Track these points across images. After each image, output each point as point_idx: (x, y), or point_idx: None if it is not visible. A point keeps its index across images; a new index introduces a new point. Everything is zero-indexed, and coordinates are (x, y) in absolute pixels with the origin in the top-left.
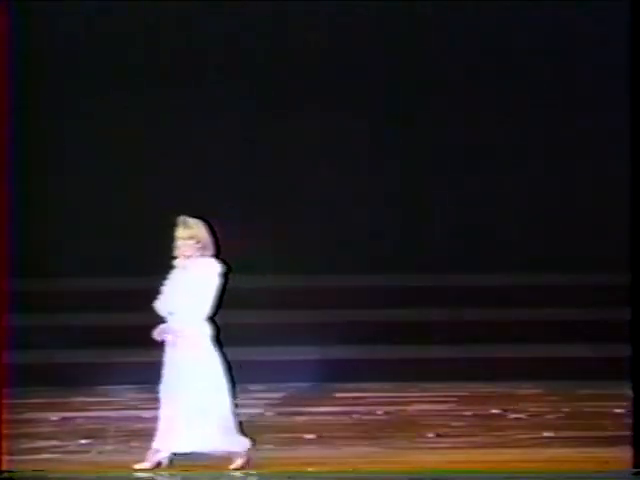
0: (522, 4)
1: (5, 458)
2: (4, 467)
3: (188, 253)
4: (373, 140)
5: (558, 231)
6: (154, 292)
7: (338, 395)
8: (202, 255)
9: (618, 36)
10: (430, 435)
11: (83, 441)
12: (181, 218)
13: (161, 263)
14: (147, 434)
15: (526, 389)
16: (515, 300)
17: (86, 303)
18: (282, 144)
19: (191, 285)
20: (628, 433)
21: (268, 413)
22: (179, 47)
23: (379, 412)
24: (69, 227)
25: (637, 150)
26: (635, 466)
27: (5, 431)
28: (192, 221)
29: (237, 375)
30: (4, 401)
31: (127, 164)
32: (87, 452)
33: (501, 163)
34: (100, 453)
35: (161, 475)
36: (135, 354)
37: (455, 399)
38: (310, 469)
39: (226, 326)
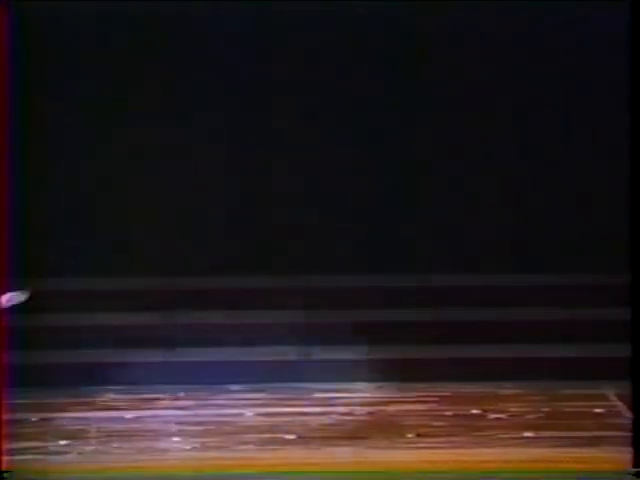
0: (522, 4)
1: (5, 458)
2: (4, 467)
3: None
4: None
5: (558, 231)
6: (142, 293)
7: (318, 395)
8: None
9: (618, 36)
10: (410, 435)
11: (63, 442)
12: None
13: (162, 263)
14: (128, 435)
15: (507, 389)
16: (499, 300)
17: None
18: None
19: None
20: (609, 433)
21: (248, 413)
22: (179, 47)
23: (359, 412)
24: (69, 227)
25: (637, 150)
26: (635, 466)
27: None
28: None
29: (219, 375)
30: (4, 401)
31: (128, 164)
32: (67, 453)
33: (501, 163)
34: (80, 454)
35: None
36: (117, 355)
37: (436, 399)
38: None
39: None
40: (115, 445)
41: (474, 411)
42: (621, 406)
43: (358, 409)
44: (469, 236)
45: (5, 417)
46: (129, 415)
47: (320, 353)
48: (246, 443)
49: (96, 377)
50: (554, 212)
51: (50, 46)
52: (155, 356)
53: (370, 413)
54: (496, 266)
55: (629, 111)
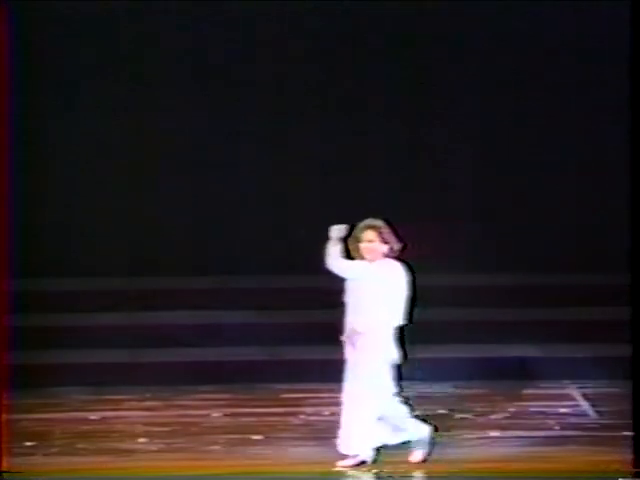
0: (521, 4)
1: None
2: (4, 467)
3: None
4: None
5: (558, 231)
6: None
7: (285, 396)
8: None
9: (618, 36)
10: None
11: (28, 443)
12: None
13: (161, 264)
14: (94, 436)
15: (472, 389)
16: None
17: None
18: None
19: (379, 288)
20: (574, 433)
21: (215, 414)
22: (180, 46)
23: (326, 412)
24: (69, 227)
25: (637, 151)
26: (635, 466)
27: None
28: (378, 222)
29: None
30: (4, 402)
31: (128, 164)
32: (32, 454)
33: (500, 163)
34: (46, 455)
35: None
36: (83, 355)
37: (402, 399)
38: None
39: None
40: (80, 446)
41: (440, 411)
42: (586, 406)
43: (325, 409)
44: (479, 236)
45: (5, 417)
46: (94, 416)
47: (287, 354)
48: (213, 444)
49: (61, 378)
50: (570, 211)
51: (50, 46)
52: (121, 356)
53: (336, 413)
54: (464, 267)
55: (629, 111)
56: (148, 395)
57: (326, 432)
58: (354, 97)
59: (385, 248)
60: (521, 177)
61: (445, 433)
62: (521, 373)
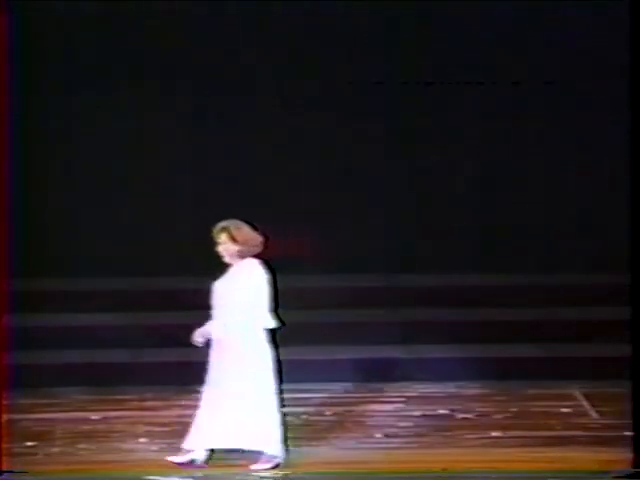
0: (521, 4)
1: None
2: (4, 467)
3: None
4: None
5: (558, 231)
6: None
7: (286, 396)
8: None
9: (618, 36)
10: (378, 435)
11: (29, 443)
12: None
13: (160, 264)
14: (94, 436)
15: (473, 389)
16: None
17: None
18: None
19: (237, 287)
20: (575, 433)
21: None
22: (179, 45)
23: (327, 413)
24: (69, 227)
25: (637, 150)
26: (635, 466)
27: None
28: (229, 223)
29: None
30: (4, 402)
31: (128, 164)
32: (34, 454)
33: (500, 163)
34: (47, 455)
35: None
36: (83, 355)
37: (403, 399)
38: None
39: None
40: (81, 446)
41: (441, 411)
42: (587, 406)
43: (326, 409)
44: (477, 236)
45: (5, 417)
46: (95, 416)
47: (286, 353)
48: None
49: (62, 378)
50: (570, 211)
51: (50, 46)
52: (121, 356)
53: (338, 414)
54: (464, 266)
55: (629, 111)
56: (148, 395)
57: (327, 432)
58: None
59: (237, 248)
60: (521, 177)
61: (447, 433)
62: (521, 373)
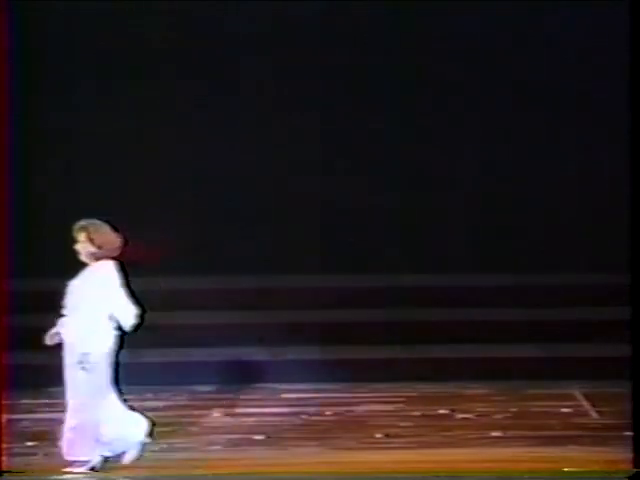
0: (521, 4)
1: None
2: (4, 467)
3: (86, 256)
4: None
5: (558, 231)
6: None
7: (286, 396)
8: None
9: (618, 36)
10: (379, 435)
11: (30, 443)
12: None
13: (162, 263)
14: None
15: (474, 389)
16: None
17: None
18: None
19: (87, 288)
20: (575, 433)
21: (216, 414)
22: (179, 45)
23: (328, 413)
24: (69, 227)
25: (637, 150)
26: (636, 466)
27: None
28: (87, 222)
29: (185, 375)
30: (4, 402)
31: (127, 163)
32: (33, 455)
33: (500, 163)
34: (46, 455)
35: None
36: None
37: (403, 399)
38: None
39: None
40: None
41: (442, 411)
42: (587, 406)
43: (326, 409)
44: (476, 236)
45: (5, 417)
46: None
47: (289, 353)
48: (214, 444)
49: (61, 378)
50: (570, 211)
51: (50, 45)
52: (121, 356)
53: (338, 414)
54: (463, 266)
55: (629, 111)
56: (148, 395)
57: (328, 432)
58: None
59: (93, 249)
60: (521, 177)
61: (447, 433)
62: (521, 373)
